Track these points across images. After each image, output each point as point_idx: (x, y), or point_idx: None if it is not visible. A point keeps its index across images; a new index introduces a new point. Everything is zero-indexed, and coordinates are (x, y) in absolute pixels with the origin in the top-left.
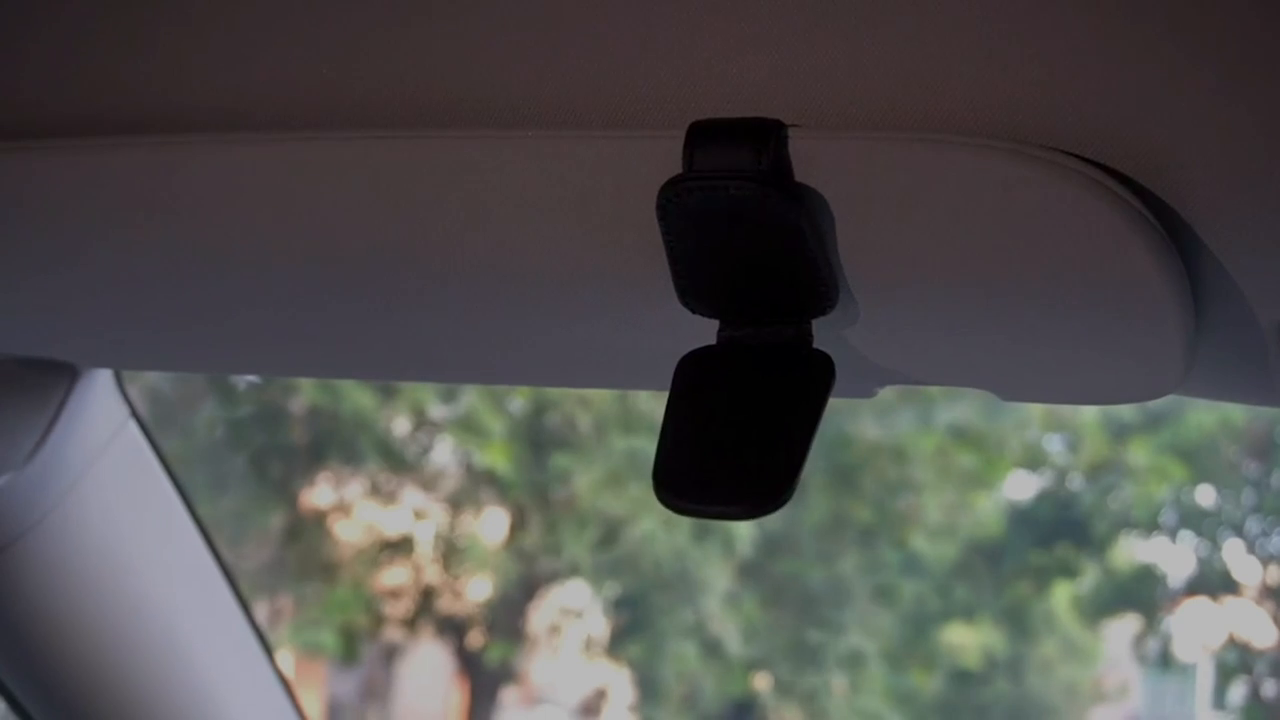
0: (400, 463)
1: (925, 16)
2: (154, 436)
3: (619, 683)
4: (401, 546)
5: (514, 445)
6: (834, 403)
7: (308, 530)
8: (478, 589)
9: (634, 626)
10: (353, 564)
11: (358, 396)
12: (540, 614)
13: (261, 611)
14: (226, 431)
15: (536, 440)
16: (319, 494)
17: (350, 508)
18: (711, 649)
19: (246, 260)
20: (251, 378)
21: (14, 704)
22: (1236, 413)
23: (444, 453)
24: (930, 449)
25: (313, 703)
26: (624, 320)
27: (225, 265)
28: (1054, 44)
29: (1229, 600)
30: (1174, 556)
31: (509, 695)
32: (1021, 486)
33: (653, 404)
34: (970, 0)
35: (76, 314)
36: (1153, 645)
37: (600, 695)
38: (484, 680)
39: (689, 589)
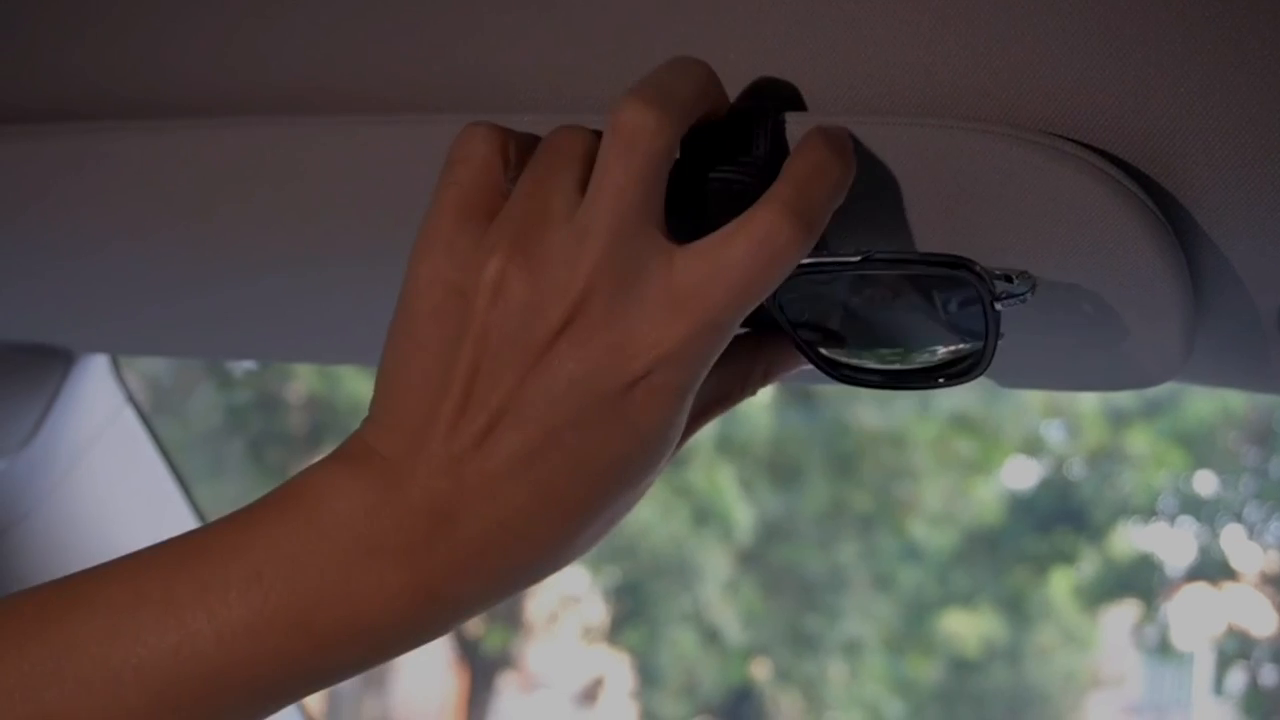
0: None
1: (922, 1)
2: (151, 422)
3: (618, 670)
4: None
5: None
6: (832, 390)
7: None
8: None
9: (632, 613)
10: None
11: (355, 383)
12: (538, 601)
13: None
14: (224, 418)
15: None
16: None
17: None
18: (710, 636)
19: (243, 245)
20: (249, 364)
21: None
22: (1236, 399)
23: None
24: (929, 436)
25: None
26: None
27: (222, 250)
28: (1053, 29)
29: (1228, 587)
30: (1173, 543)
31: (507, 682)
32: (1021, 473)
33: None
34: None
35: (72, 299)
36: (1151, 632)
37: (599, 682)
38: (482, 667)
39: (687, 576)
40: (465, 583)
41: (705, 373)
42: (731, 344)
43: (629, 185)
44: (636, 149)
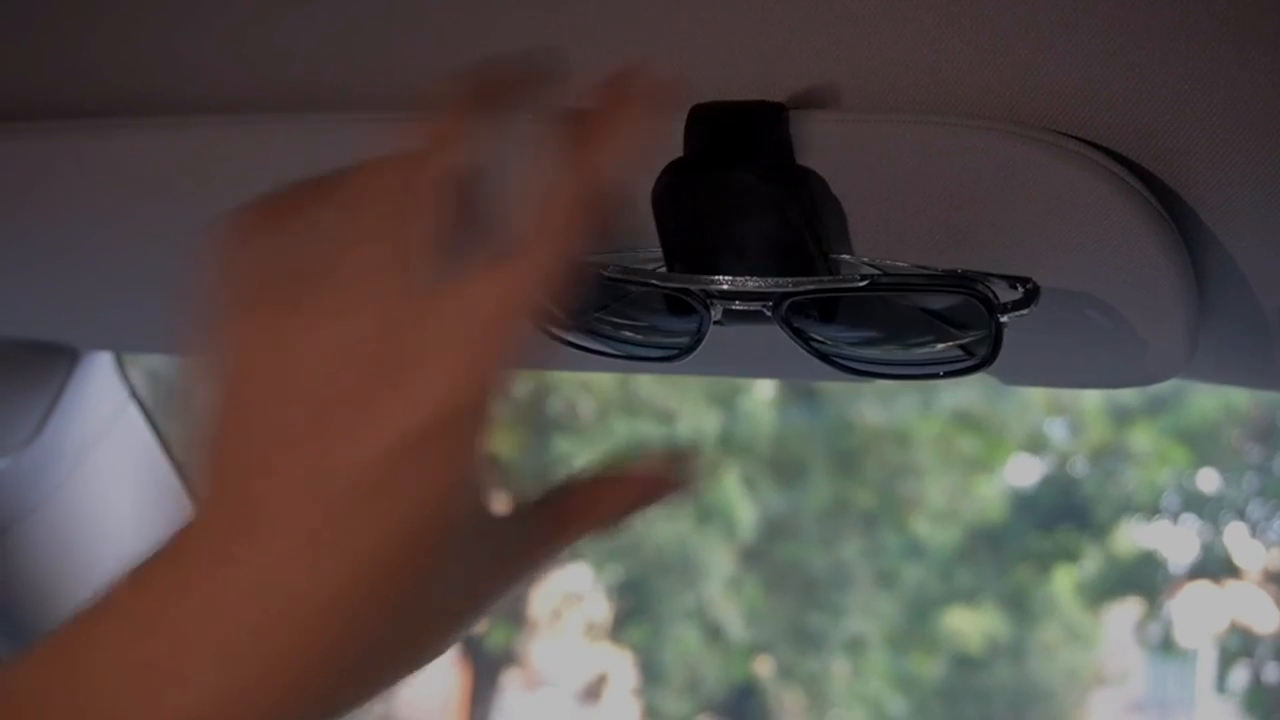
0: None
1: None
2: (155, 419)
3: (621, 667)
4: None
5: (516, 429)
6: (835, 387)
7: None
8: None
9: (636, 611)
10: None
11: None
12: (542, 598)
13: None
14: None
15: (538, 424)
16: None
17: None
18: (713, 633)
19: None
20: None
21: None
22: (1239, 397)
23: None
24: (932, 433)
25: None
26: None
27: None
28: (1058, 26)
29: (1231, 585)
30: (1176, 541)
31: (511, 679)
32: (1023, 471)
33: (654, 388)
34: None
35: (77, 296)
36: (1154, 630)
37: (602, 679)
38: (485, 664)
39: (690, 573)
40: (277, 695)
41: (483, 431)
42: (530, 511)
43: (380, 225)
44: (391, 184)
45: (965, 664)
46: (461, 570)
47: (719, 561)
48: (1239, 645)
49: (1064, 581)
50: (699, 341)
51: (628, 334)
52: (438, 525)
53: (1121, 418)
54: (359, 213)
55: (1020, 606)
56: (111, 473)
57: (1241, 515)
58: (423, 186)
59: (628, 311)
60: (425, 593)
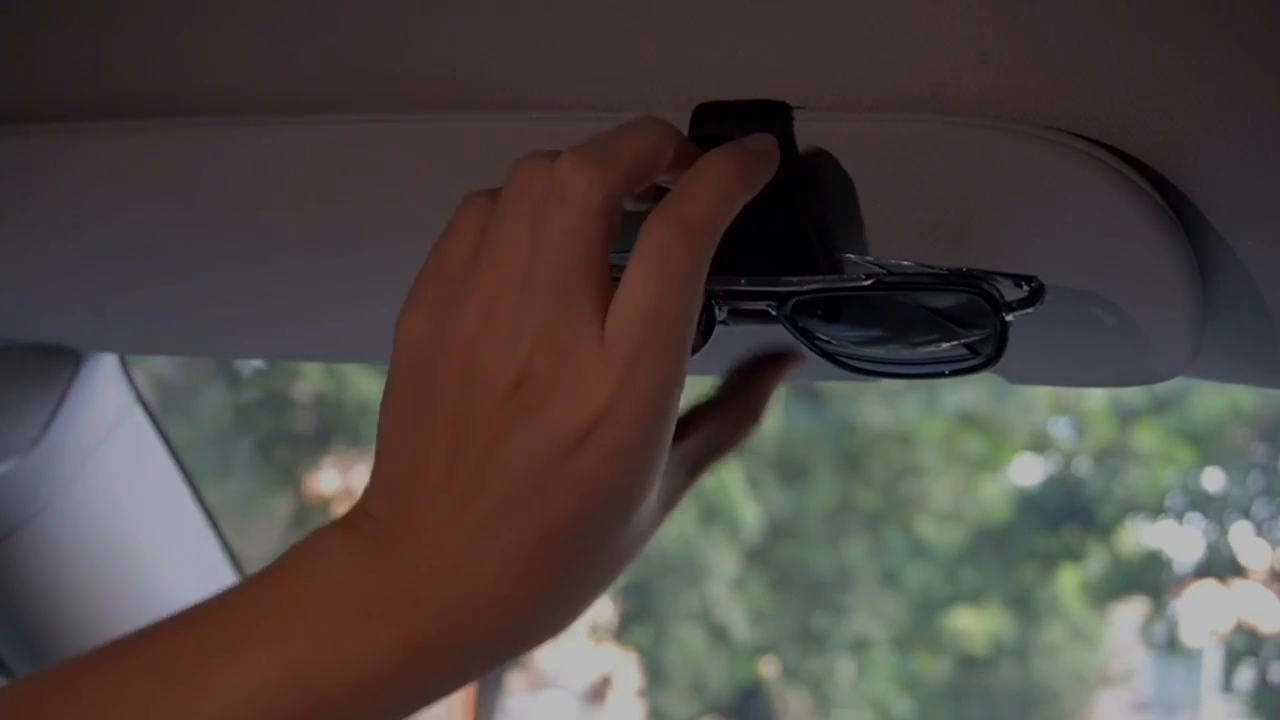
0: None
1: None
2: (160, 421)
3: (626, 668)
4: None
5: None
6: (840, 387)
7: (313, 515)
8: None
9: (641, 612)
10: None
11: (362, 382)
12: None
13: None
14: (232, 417)
15: None
16: (324, 479)
17: (355, 493)
18: (718, 634)
19: (251, 244)
20: (257, 363)
21: None
22: (1244, 396)
23: None
24: (937, 433)
25: None
26: None
27: (230, 249)
28: (1062, 26)
29: (1236, 584)
30: (1181, 540)
31: (515, 680)
32: (1028, 471)
33: None
34: None
35: (81, 299)
36: (1160, 629)
37: (607, 680)
38: None
39: (695, 574)
40: (454, 642)
41: (662, 419)
42: (718, 392)
43: (563, 242)
44: (568, 204)
45: (970, 664)
46: (612, 547)
47: (723, 562)
48: (1244, 644)
49: (1069, 581)
50: (705, 341)
51: None
52: (592, 522)
53: (1126, 417)
54: (540, 225)
55: (1025, 606)
56: (116, 476)
57: (1247, 514)
58: (591, 211)
59: None
60: (578, 574)
